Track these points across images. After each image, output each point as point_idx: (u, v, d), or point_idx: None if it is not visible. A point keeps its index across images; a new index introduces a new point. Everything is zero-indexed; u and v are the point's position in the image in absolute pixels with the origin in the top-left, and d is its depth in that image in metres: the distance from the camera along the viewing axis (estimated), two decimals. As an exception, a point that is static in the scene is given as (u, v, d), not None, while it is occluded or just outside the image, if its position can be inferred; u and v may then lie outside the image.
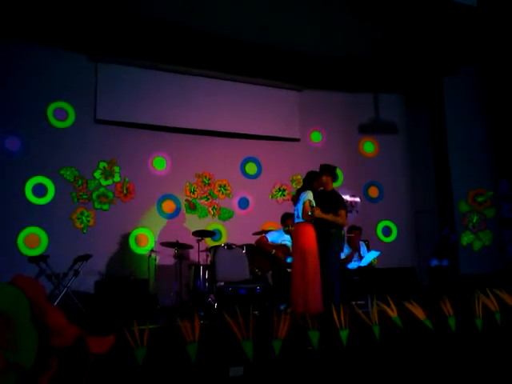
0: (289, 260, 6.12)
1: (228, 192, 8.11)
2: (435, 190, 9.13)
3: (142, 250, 7.38)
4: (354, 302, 5.52)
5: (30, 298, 2.05)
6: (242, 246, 6.51)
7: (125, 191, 7.45)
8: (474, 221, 7.62)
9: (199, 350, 2.77)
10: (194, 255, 7.13)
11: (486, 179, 7.71)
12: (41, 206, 6.89)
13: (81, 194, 7.17)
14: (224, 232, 7.92)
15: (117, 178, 7.44)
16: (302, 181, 8.21)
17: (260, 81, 8.33)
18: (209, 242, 7.47)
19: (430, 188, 9.16)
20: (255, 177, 8.34)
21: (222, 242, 7.51)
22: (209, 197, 7.97)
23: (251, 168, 8.35)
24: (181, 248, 6.86)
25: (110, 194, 7.36)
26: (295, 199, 5.56)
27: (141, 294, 6.34)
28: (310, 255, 5.20)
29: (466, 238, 7.65)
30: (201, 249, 6.83)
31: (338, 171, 5.69)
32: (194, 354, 2.75)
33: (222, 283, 6.20)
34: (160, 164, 7.77)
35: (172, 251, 6.88)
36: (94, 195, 7.25)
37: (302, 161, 8.10)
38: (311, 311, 4.49)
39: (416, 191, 8.99)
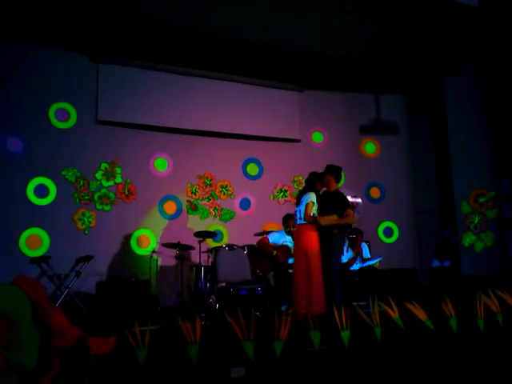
0: (290, 261, 6.11)
1: (229, 193, 8.12)
2: (437, 190, 9.12)
3: (144, 251, 7.39)
4: (355, 303, 5.51)
5: (31, 298, 2.05)
6: (243, 247, 6.50)
7: (126, 192, 7.46)
8: (476, 222, 7.61)
9: (200, 351, 2.78)
10: (195, 256, 7.12)
11: (487, 180, 7.70)
12: (43, 207, 6.90)
13: (82, 194, 7.18)
14: (225, 233, 7.92)
15: (118, 179, 7.44)
16: (303, 181, 8.30)
17: (261, 81, 8.34)
18: (210, 242, 7.47)
19: (432, 188, 9.16)
20: (256, 177, 8.35)
21: (224, 242, 7.51)
22: (210, 198, 7.98)
23: (252, 169, 8.35)
24: (182, 249, 6.86)
25: (112, 195, 7.37)
26: (297, 201, 5.55)
27: (142, 294, 6.34)
28: (313, 256, 5.20)
29: (468, 239, 7.63)
30: (202, 250, 6.83)
31: (342, 174, 5.66)
32: (196, 354, 2.75)
33: (224, 284, 6.19)
34: (161, 165, 7.77)
35: (173, 252, 6.88)
36: (96, 196, 7.26)
37: (303, 161, 8.11)
38: (314, 312, 4.49)
39: (417, 192, 8.99)
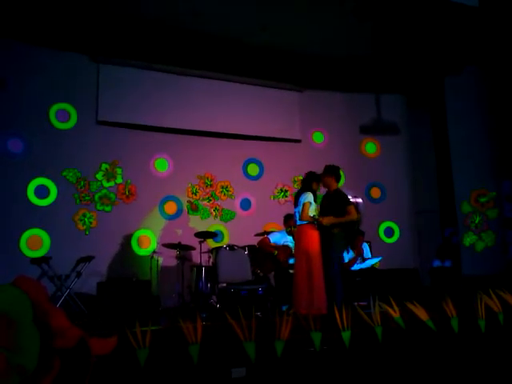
0: (291, 261, 6.11)
1: (230, 193, 8.12)
2: (437, 190, 9.11)
3: (145, 251, 7.39)
4: (356, 303, 5.50)
5: (32, 299, 2.05)
6: (244, 247, 6.50)
7: (127, 193, 7.46)
8: (477, 221, 7.61)
9: (201, 351, 2.77)
10: (196, 256, 7.12)
11: (488, 180, 7.70)
12: (43, 208, 6.90)
13: (83, 195, 7.18)
14: (226, 233, 7.92)
15: (119, 180, 7.45)
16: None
17: (261, 82, 8.34)
18: (211, 243, 7.46)
19: (432, 188, 9.15)
20: (257, 178, 8.34)
21: (224, 243, 7.51)
22: (211, 198, 7.98)
23: (253, 169, 8.35)
24: (183, 249, 6.86)
25: (113, 196, 7.37)
26: (295, 201, 5.54)
27: (143, 295, 6.34)
28: (313, 257, 5.20)
29: (469, 239, 7.63)
30: (203, 250, 6.83)
31: (341, 173, 5.65)
32: (196, 355, 2.75)
33: (224, 284, 6.20)
34: (162, 165, 7.77)
35: (174, 252, 6.88)
36: (97, 197, 7.26)
37: (303, 162, 8.08)
38: (315, 313, 4.48)
39: (418, 192, 8.98)
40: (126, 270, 7.10)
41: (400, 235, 8.70)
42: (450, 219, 8.48)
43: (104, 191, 7.33)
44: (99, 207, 7.26)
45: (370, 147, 8.98)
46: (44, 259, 6.45)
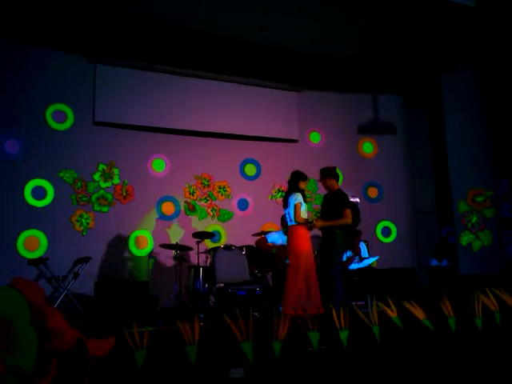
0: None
1: (227, 193, 8.11)
2: (434, 190, 9.13)
3: (142, 252, 7.38)
4: (353, 303, 5.51)
5: (29, 300, 2.05)
6: (241, 248, 6.51)
7: (124, 193, 7.45)
8: (474, 221, 7.63)
9: (199, 352, 2.77)
10: (193, 257, 7.12)
11: (485, 179, 7.71)
12: (40, 209, 6.89)
13: (80, 196, 7.16)
14: (223, 233, 7.92)
15: (116, 180, 7.44)
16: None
17: (258, 82, 8.33)
18: (208, 243, 7.47)
19: (430, 188, 9.17)
20: (254, 178, 8.35)
21: (222, 243, 7.51)
22: (208, 198, 7.97)
23: (250, 169, 8.36)
24: (180, 250, 6.86)
25: (110, 196, 7.36)
26: (284, 203, 5.52)
27: (140, 296, 6.34)
28: (305, 257, 5.18)
29: (466, 238, 7.65)
30: (200, 250, 6.83)
31: (338, 171, 5.64)
32: (194, 355, 2.74)
33: (222, 285, 6.20)
34: (159, 166, 7.77)
35: (171, 253, 6.88)
36: (94, 197, 7.25)
37: (301, 162, 8.08)
38: (312, 313, 4.48)
39: (415, 191, 9.00)
40: (123, 271, 7.10)
41: (397, 235, 8.72)
42: (447, 219, 8.50)
43: (101, 192, 7.32)
44: (96, 208, 7.25)
45: (367, 147, 8.99)
46: (41, 260, 6.44)
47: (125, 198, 7.44)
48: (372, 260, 6.93)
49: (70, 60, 7.31)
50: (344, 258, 6.59)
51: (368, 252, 7.34)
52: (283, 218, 6.61)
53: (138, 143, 7.60)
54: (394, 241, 8.70)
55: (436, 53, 7.72)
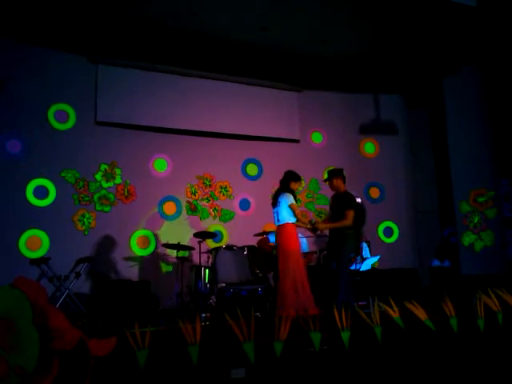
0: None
1: (229, 193, 8.12)
2: (436, 190, 9.12)
3: (143, 251, 7.39)
4: (355, 303, 5.51)
5: (31, 300, 2.05)
6: (243, 248, 6.51)
7: (126, 193, 7.46)
8: (475, 221, 7.61)
9: (201, 352, 2.77)
10: (195, 257, 7.13)
11: (486, 179, 7.70)
12: (42, 209, 6.90)
13: (82, 196, 7.17)
14: (225, 233, 7.92)
15: (118, 180, 7.44)
16: (303, 182, 8.29)
17: (260, 82, 8.34)
18: (210, 243, 7.47)
19: (431, 188, 9.16)
20: (256, 178, 8.35)
21: (223, 243, 7.51)
22: (210, 198, 7.98)
23: (252, 169, 8.36)
24: (182, 250, 6.86)
25: (112, 196, 7.37)
26: (273, 201, 5.50)
27: (142, 295, 6.35)
28: (291, 257, 5.17)
29: (468, 239, 7.64)
30: (202, 250, 6.83)
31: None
32: (196, 355, 2.74)
33: (224, 284, 6.20)
34: (161, 166, 7.77)
35: (173, 253, 6.88)
36: (96, 197, 7.26)
37: (302, 162, 8.11)
38: (302, 314, 4.45)
39: (417, 192, 8.99)
40: (125, 271, 7.11)
41: (399, 235, 8.71)
42: (448, 219, 8.48)
43: (103, 192, 7.33)
44: (98, 208, 7.26)
45: (369, 147, 8.99)
46: (43, 260, 6.46)
47: (127, 197, 7.45)
48: (374, 260, 6.92)
49: (72, 60, 7.32)
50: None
51: (370, 252, 7.32)
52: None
53: (140, 143, 7.61)
54: (395, 241, 8.70)
55: (437, 53, 7.70)
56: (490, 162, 7.74)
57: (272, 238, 6.53)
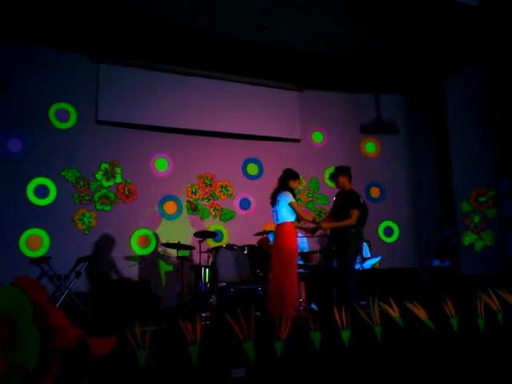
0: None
1: (229, 193, 8.12)
2: (437, 190, 9.12)
3: (144, 251, 7.39)
4: (355, 303, 5.50)
5: (32, 299, 2.05)
6: (243, 247, 6.51)
7: (126, 192, 7.46)
8: (476, 221, 7.61)
9: (201, 352, 2.77)
10: (195, 256, 7.13)
11: (487, 179, 7.70)
12: (43, 208, 6.90)
13: (82, 195, 7.18)
14: (225, 233, 7.92)
15: (118, 179, 7.45)
16: (303, 181, 8.30)
17: (261, 81, 8.34)
18: (210, 242, 7.47)
19: (432, 188, 9.15)
20: (256, 177, 8.35)
21: (224, 242, 7.52)
22: (210, 198, 7.98)
23: (252, 169, 8.35)
24: (182, 249, 6.87)
25: (112, 195, 7.37)
26: (272, 200, 5.49)
27: (142, 295, 6.35)
28: (289, 256, 5.15)
29: (468, 238, 7.64)
30: (202, 250, 6.83)
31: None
32: (196, 355, 2.74)
33: (224, 284, 6.20)
34: (161, 165, 7.77)
35: (174, 252, 6.89)
36: (96, 196, 7.27)
37: (303, 161, 8.10)
38: (288, 314, 4.43)
39: (418, 191, 8.99)
40: (125, 270, 7.11)
41: (399, 235, 8.71)
42: (449, 219, 8.48)
43: (103, 191, 7.33)
44: (99, 207, 7.26)
45: (370, 147, 8.98)
46: (43, 259, 6.46)
47: (127, 197, 7.45)
48: (375, 261, 6.92)
49: (73, 59, 7.32)
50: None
51: (370, 252, 7.32)
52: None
53: (141, 142, 7.61)
54: (396, 241, 8.69)
55: (439, 53, 7.70)
56: (490, 162, 7.74)
57: (272, 238, 6.52)
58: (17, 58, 6.96)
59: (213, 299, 6.32)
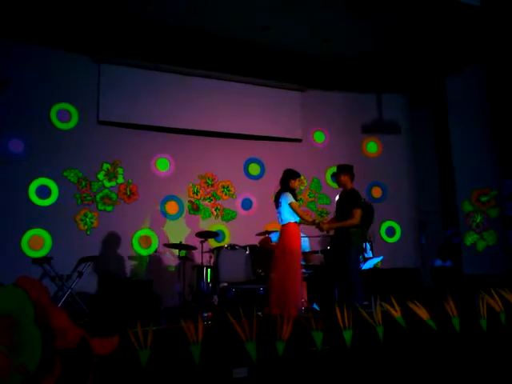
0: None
1: (231, 193, 8.12)
2: (439, 190, 9.11)
3: (146, 251, 7.39)
4: (357, 303, 5.49)
5: (34, 299, 2.05)
6: (245, 247, 6.51)
7: (128, 192, 7.47)
8: (478, 221, 7.60)
9: (203, 352, 2.77)
10: (197, 256, 7.13)
11: (489, 179, 7.69)
12: (45, 208, 6.91)
13: (84, 195, 7.18)
14: (227, 233, 7.92)
15: (120, 180, 7.45)
16: (305, 181, 8.30)
17: (262, 81, 8.34)
18: (212, 242, 7.47)
19: (434, 188, 9.14)
20: (258, 177, 8.34)
21: (226, 242, 7.51)
22: (212, 198, 7.98)
23: (254, 169, 8.35)
24: (184, 249, 6.87)
25: (114, 196, 7.38)
26: (276, 202, 5.49)
27: (144, 295, 6.35)
28: (292, 257, 5.15)
29: (470, 238, 7.62)
30: (204, 250, 6.83)
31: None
32: (198, 355, 2.74)
33: (226, 284, 6.20)
34: (163, 165, 7.78)
35: (176, 252, 6.89)
36: (98, 197, 7.27)
37: (305, 161, 8.11)
38: (291, 314, 4.43)
39: (419, 191, 8.97)
40: (127, 270, 7.12)
41: (401, 235, 8.70)
42: (451, 219, 8.47)
43: (105, 191, 7.33)
44: (100, 207, 7.26)
45: (372, 147, 8.97)
46: (45, 259, 6.47)
47: (129, 197, 7.46)
48: (376, 260, 6.91)
49: (75, 59, 7.33)
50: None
51: (372, 252, 7.31)
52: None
53: (142, 142, 7.61)
54: (398, 241, 8.68)
55: (440, 52, 7.69)
56: (492, 162, 7.73)
57: (274, 238, 6.52)
58: (18, 58, 6.97)
59: (215, 299, 6.32)
